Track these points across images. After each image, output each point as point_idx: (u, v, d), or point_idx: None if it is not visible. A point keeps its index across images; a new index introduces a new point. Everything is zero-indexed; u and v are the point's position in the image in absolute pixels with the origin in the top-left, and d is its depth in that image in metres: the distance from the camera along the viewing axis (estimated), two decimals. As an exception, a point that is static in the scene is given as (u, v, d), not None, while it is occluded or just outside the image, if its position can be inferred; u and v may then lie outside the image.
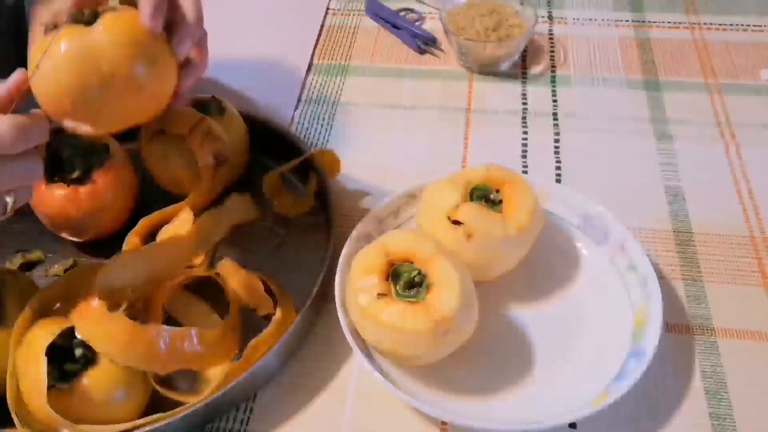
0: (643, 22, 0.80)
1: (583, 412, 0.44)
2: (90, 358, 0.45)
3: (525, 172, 0.64)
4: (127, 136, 0.58)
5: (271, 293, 0.52)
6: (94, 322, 0.45)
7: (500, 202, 0.51)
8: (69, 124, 0.43)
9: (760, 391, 0.48)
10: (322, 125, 0.69)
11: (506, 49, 0.72)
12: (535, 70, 0.75)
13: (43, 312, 0.48)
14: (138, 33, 0.43)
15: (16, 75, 0.42)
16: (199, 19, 0.46)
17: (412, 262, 0.46)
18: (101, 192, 0.55)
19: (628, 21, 0.80)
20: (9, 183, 0.41)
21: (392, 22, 0.80)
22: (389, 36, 0.80)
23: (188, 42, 0.46)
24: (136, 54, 0.43)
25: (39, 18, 0.45)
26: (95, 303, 0.45)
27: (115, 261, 0.51)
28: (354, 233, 0.54)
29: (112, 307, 0.46)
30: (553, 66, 0.75)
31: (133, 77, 0.43)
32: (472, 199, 0.51)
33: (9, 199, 0.41)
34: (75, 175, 0.54)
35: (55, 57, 0.42)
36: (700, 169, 0.63)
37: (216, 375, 0.47)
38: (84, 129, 0.44)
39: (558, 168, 0.64)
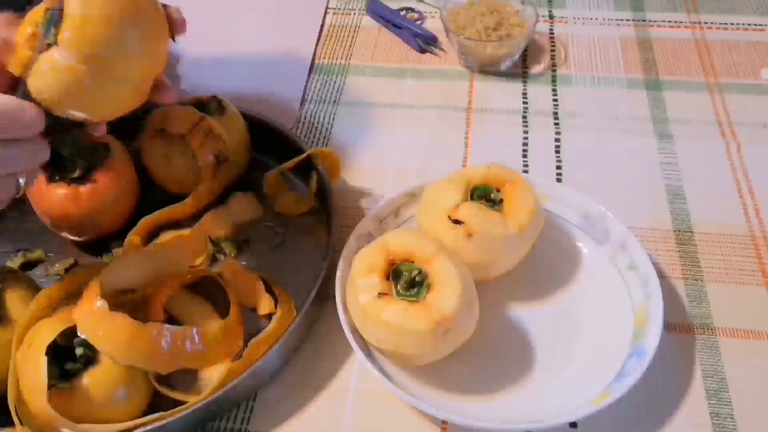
0: (644, 21, 0.80)
1: (584, 411, 0.44)
2: (91, 357, 0.45)
3: (525, 172, 0.64)
4: (128, 135, 0.58)
5: (271, 292, 0.53)
6: (95, 321, 0.45)
7: (501, 201, 0.51)
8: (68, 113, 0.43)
9: (760, 390, 0.48)
10: (322, 124, 0.69)
11: (507, 48, 0.72)
12: (536, 69, 0.75)
13: (45, 312, 0.48)
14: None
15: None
16: None
17: (412, 262, 0.46)
18: (102, 191, 0.55)
19: (628, 20, 0.80)
20: (20, 165, 0.41)
21: (393, 21, 0.80)
22: (390, 35, 0.80)
23: None
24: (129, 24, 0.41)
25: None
26: (97, 302, 0.45)
27: (119, 261, 0.51)
28: (354, 232, 0.54)
29: (114, 306, 0.46)
30: (554, 65, 0.75)
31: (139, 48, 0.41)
32: (472, 199, 0.51)
33: (21, 180, 0.42)
34: (76, 174, 0.54)
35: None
36: (700, 169, 0.63)
37: (216, 374, 0.47)
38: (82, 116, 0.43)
39: (558, 167, 0.64)
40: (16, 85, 0.41)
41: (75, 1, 0.39)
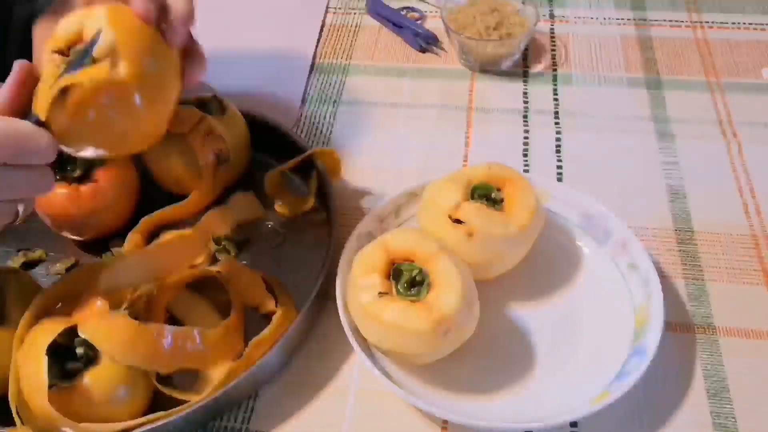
0: (645, 20, 0.80)
1: (584, 410, 0.44)
2: (91, 357, 0.45)
3: (526, 171, 0.64)
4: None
5: (272, 292, 0.53)
6: (96, 321, 0.45)
7: (501, 200, 0.51)
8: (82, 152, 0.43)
9: (761, 389, 0.48)
10: (323, 124, 0.70)
11: (507, 47, 0.72)
12: (537, 68, 0.75)
13: (46, 311, 0.48)
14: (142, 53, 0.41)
15: (17, 69, 0.40)
16: (190, 11, 0.44)
17: (413, 261, 0.46)
18: (102, 191, 0.55)
19: (629, 19, 0.80)
20: (22, 192, 0.40)
21: (393, 20, 0.80)
22: (390, 35, 0.80)
23: (179, 30, 0.43)
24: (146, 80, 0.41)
25: (42, 38, 0.43)
26: (98, 302, 0.45)
27: (120, 260, 0.51)
28: (355, 232, 0.54)
29: (115, 306, 0.46)
30: (555, 64, 0.75)
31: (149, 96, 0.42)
32: (473, 198, 0.51)
33: (20, 207, 0.41)
34: (76, 173, 0.54)
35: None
36: (701, 168, 0.63)
37: (217, 373, 0.47)
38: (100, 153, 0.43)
39: (559, 167, 0.64)
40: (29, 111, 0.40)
41: (109, 48, 0.39)
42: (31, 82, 0.41)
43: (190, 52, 0.46)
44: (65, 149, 0.41)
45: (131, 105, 0.41)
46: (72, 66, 0.39)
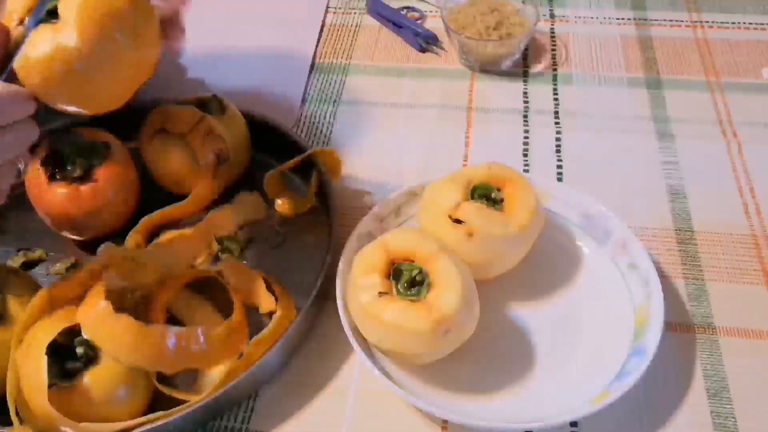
0: (645, 20, 0.80)
1: (584, 410, 0.44)
2: (91, 356, 0.45)
3: (526, 171, 0.64)
4: (128, 135, 0.58)
5: (272, 292, 0.53)
6: (99, 322, 0.45)
7: (501, 200, 0.51)
8: (63, 106, 0.43)
9: (761, 389, 0.48)
10: (323, 124, 0.69)
11: (507, 47, 0.72)
12: (537, 68, 0.75)
13: (46, 311, 0.48)
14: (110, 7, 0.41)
15: None
16: None
17: (413, 261, 0.46)
18: (102, 190, 0.55)
19: (629, 19, 0.80)
20: (13, 151, 0.41)
21: (393, 20, 0.80)
22: (390, 34, 0.80)
23: None
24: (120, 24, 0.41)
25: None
26: (101, 303, 0.45)
27: (125, 259, 0.50)
28: (355, 232, 0.54)
29: (118, 306, 0.46)
30: (555, 64, 0.75)
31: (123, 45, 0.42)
32: (473, 198, 0.51)
33: (20, 165, 0.42)
34: (76, 173, 0.54)
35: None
36: (701, 168, 0.63)
37: (217, 373, 0.47)
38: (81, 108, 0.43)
39: (559, 167, 0.64)
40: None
41: None
42: (2, 40, 0.41)
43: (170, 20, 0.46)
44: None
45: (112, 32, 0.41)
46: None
